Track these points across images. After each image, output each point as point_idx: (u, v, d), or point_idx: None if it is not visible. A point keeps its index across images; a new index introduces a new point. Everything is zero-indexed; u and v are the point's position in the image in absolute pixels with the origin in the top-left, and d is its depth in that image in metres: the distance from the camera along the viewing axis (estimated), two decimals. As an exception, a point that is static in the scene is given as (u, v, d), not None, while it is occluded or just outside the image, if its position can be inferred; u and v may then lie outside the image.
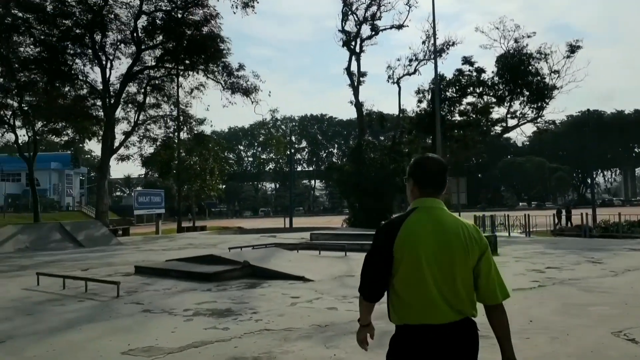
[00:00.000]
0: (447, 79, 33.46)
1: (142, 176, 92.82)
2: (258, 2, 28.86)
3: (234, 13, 30.32)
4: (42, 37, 26.06)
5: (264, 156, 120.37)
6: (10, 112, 31.75)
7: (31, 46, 26.48)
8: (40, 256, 17.94)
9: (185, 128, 31.43)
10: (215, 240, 23.73)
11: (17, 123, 31.63)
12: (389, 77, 34.67)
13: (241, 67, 29.99)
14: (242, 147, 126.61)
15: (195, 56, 28.12)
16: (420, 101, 33.45)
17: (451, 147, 34.11)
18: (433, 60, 32.65)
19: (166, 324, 6.73)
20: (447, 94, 33.17)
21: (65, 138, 31.86)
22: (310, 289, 9.50)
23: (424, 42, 34.05)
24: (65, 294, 9.46)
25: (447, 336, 2.14)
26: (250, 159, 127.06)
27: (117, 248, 21.08)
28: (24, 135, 32.29)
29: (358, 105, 34.70)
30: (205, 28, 28.92)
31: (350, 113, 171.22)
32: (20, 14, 24.97)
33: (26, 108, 30.11)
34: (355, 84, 34.26)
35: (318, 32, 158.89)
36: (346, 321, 6.58)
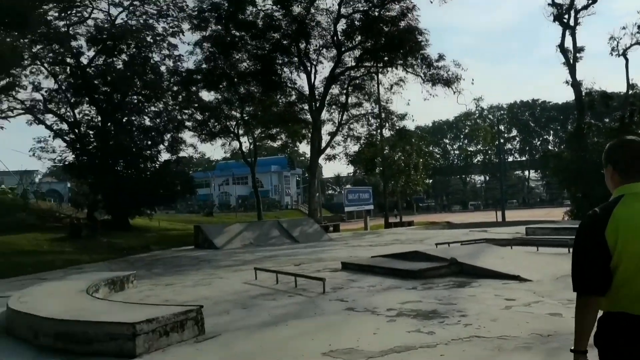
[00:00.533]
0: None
1: (351, 175, 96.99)
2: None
3: (431, 2, 28.94)
4: (255, 51, 28.62)
5: (471, 148, 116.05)
6: (235, 122, 35.56)
7: (247, 61, 29.32)
8: (261, 251, 19.51)
9: (387, 124, 31.65)
10: (422, 236, 23.21)
11: (240, 132, 35.31)
12: (613, 49, 30.35)
13: (441, 57, 29.03)
14: (447, 141, 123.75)
15: (394, 52, 27.98)
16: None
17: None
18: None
19: (368, 324, 6.44)
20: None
21: (279, 142, 34.53)
22: (527, 290, 8.40)
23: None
24: (277, 288, 9.89)
25: None
26: (457, 151, 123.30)
27: (328, 244, 21.93)
28: (245, 142, 35.94)
29: (575, 84, 30.92)
30: (402, 22, 28.62)
31: (567, 95, 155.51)
32: (237, 33, 27.78)
33: (246, 118, 33.43)
34: (571, 61, 30.58)
35: (522, 15, 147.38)
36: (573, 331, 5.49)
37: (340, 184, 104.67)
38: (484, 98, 29.18)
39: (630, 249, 2.03)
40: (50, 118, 29.87)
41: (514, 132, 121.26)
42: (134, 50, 30.22)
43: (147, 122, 31.51)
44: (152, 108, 32.01)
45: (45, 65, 28.79)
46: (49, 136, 30.19)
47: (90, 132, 29.70)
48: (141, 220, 33.73)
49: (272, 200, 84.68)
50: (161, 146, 31.51)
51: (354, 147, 32.15)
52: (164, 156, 32.29)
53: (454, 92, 29.12)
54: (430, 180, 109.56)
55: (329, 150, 32.27)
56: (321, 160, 36.07)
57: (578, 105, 31.01)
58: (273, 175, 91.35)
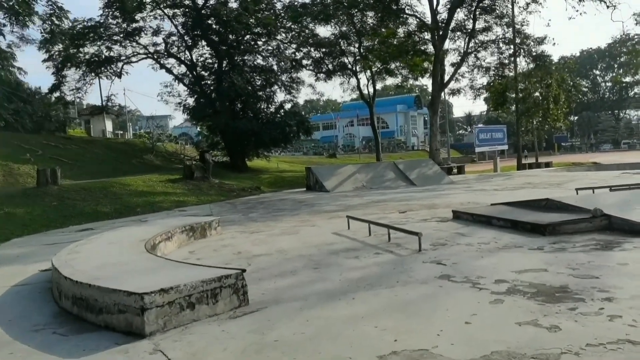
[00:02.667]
0: None
1: (484, 113, 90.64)
2: None
3: None
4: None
5: (627, 79, 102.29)
6: (352, 59, 33.61)
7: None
8: (371, 195, 17.96)
9: (521, 51, 27.54)
10: (561, 179, 19.99)
11: (357, 68, 33.32)
12: None
13: (591, -36, 24.13)
14: (597, 72, 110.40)
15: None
16: None
17: None
18: None
19: (463, 305, 4.60)
20: None
21: (399, 78, 32.08)
22: None
23: None
24: (367, 242, 8.29)
25: None
26: (609, 84, 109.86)
27: (447, 187, 19.73)
28: (363, 79, 33.94)
29: None
30: None
31: None
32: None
33: (363, 52, 31.29)
34: None
35: None
36: None
37: (471, 123, 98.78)
38: (645, 13, 23.41)
39: None
40: (171, 62, 30.26)
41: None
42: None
43: (260, 61, 30.73)
44: (267, 47, 31.07)
45: (164, 8, 28.88)
46: (173, 79, 30.76)
47: (205, 73, 29.64)
48: (260, 162, 33.82)
49: (398, 141, 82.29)
50: (275, 87, 30.65)
51: (481, 79, 28.69)
52: (280, 97, 31.57)
53: (608, 7, 24.26)
54: (576, 117, 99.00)
55: (453, 84, 29.18)
56: (445, 96, 33.05)
57: None
58: (399, 115, 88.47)
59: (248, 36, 30.06)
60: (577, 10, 24.89)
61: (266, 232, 10.20)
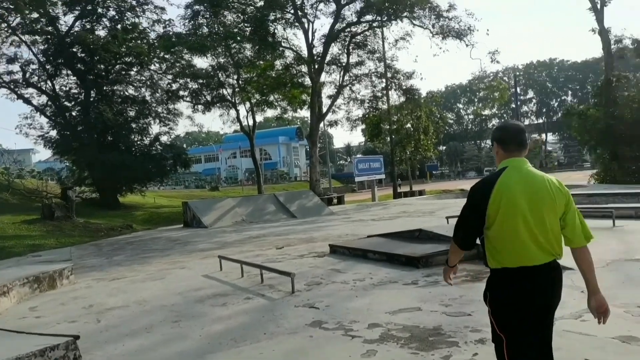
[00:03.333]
0: None
1: (362, 144, 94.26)
2: None
3: None
4: (244, 8, 25.85)
5: (485, 112, 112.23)
6: (231, 90, 33.11)
7: (235, 18, 26.57)
8: (251, 229, 17.35)
9: (393, 85, 28.82)
10: (433, 207, 20.85)
11: (237, 100, 32.86)
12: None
13: (451, 7, 26.02)
14: (461, 105, 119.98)
15: (400, 2, 25.06)
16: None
17: None
18: None
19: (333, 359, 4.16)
20: None
21: (278, 110, 32.10)
22: (568, 284, 6.04)
23: None
24: (239, 285, 7.67)
25: (541, 276, 2.48)
26: (471, 116, 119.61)
27: (327, 219, 19.69)
28: (243, 111, 33.54)
29: (603, 32, 27.86)
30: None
31: (587, 52, 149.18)
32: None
33: (242, 84, 30.94)
34: (599, 5, 27.44)
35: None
36: None
37: (350, 153, 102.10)
38: (500, 51, 25.78)
39: (507, 211, 2.47)
40: (30, 92, 27.63)
41: (530, 94, 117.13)
42: (116, 14, 27.69)
43: (132, 91, 29.15)
44: (139, 77, 29.56)
45: (21, 34, 26.41)
46: (31, 110, 28.06)
47: (69, 104, 27.45)
48: (135, 198, 31.76)
49: (281, 173, 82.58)
50: (149, 118, 29.16)
51: (357, 111, 29.52)
52: (156, 129, 30.07)
53: (467, 45, 26.23)
54: (444, 147, 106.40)
55: (330, 116, 29.67)
56: (325, 127, 33.61)
57: (606, 55, 27.96)
58: (282, 146, 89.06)
59: (118, 66, 28.41)
60: (440, 48, 26.63)
61: (128, 279, 9.18)
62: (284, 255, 10.33)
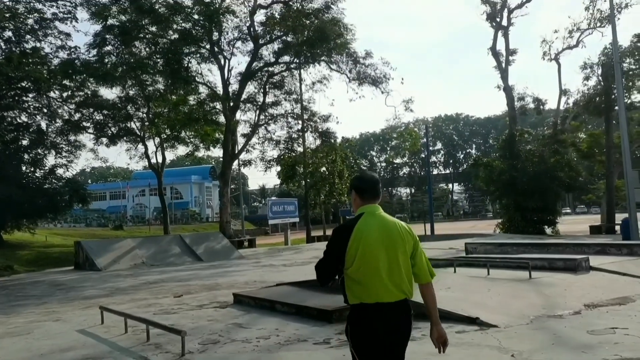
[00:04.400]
0: (623, 48, 26.98)
1: (277, 186, 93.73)
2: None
3: None
4: (157, 40, 24.69)
5: (397, 160, 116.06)
6: (140, 124, 31.38)
7: (147, 49, 25.31)
8: (149, 274, 15.79)
9: (309, 127, 28.54)
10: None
11: (145, 134, 31.16)
12: (545, 53, 29.13)
13: (368, 54, 26.42)
14: (374, 153, 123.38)
15: (317, 47, 25.06)
16: (587, 78, 27.41)
17: (630, 134, 27.45)
18: (599, 30, 26.95)
19: None
20: (624, 65, 26.63)
21: (190, 147, 30.75)
22: (494, 344, 5.48)
23: (587, 9, 27.98)
24: (119, 343, 6.42)
25: (395, 311, 2.74)
26: (384, 164, 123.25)
27: (235, 263, 18.47)
28: (152, 146, 31.81)
29: (507, 89, 29.40)
30: (327, 16, 25.87)
31: (490, 110, 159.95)
32: (134, 18, 23.68)
33: (152, 117, 29.39)
34: (503, 64, 29.05)
35: (449, 33, 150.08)
36: None
37: (265, 196, 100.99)
38: (413, 100, 26.42)
39: (364, 253, 2.73)
40: None
41: (439, 145, 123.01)
42: (13, 36, 25.51)
43: (25, 118, 26.68)
44: (35, 104, 27.17)
45: None
46: None
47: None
48: (24, 235, 28.67)
49: (192, 213, 79.71)
50: (44, 149, 26.71)
51: (272, 152, 28.86)
52: (51, 160, 27.52)
53: (382, 92, 26.60)
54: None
55: (244, 155, 28.69)
56: (239, 167, 32.57)
57: (510, 110, 29.45)
58: (194, 185, 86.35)
59: (12, 91, 25.92)
60: (356, 93, 26.82)
61: (-16, 334, 7.57)
62: (180, 306, 9.11)
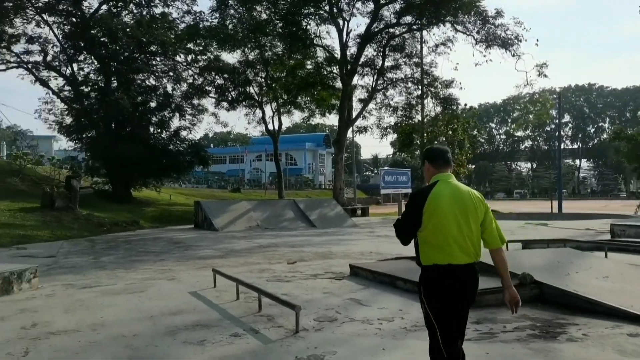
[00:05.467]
0: None
1: (390, 156, 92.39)
2: None
3: None
4: (276, 1, 24.25)
5: (519, 133, 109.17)
6: (258, 89, 31.65)
7: (266, 12, 25.05)
8: (263, 237, 15.71)
9: (429, 92, 26.88)
10: (466, 227, 18.88)
11: (263, 99, 31.38)
12: None
13: (499, 13, 24.04)
14: (493, 125, 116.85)
15: (443, 5, 23.23)
16: None
17: None
18: None
19: None
20: None
21: (305, 113, 30.53)
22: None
23: None
24: (230, 311, 5.96)
25: (465, 273, 2.92)
26: (503, 136, 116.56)
27: (349, 231, 17.91)
28: (269, 111, 32.06)
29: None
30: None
31: (629, 80, 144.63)
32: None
33: (269, 82, 29.44)
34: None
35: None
36: None
37: (377, 165, 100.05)
38: (548, 64, 23.62)
39: (439, 217, 2.90)
40: (47, 74, 26.46)
41: (567, 118, 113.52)
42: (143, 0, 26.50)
43: (153, 81, 27.80)
44: (162, 67, 28.23)
45: (46, 16, 25.29)
46: (46, 94, 26.92)
47: (85, 89, 26.21)
48: (151, 193, 30.41)
49: (306, 179, 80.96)
50: (170, 111, 27.79)
51: (389, 119, 27.66)
52: (176, 123, 28.62)
53: (513, 55, 24.20)
54: (473, 166, 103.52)
55: (360, 121, 27.81)
56: (353, 135, 31.86)
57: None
58: (308, 152, 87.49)
59: (142, 55, 27.09)
60: (484, 56, 24.60)
61: (102, 288, 7.56)
62: (294, 274, 8.60)
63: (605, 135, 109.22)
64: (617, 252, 9.29)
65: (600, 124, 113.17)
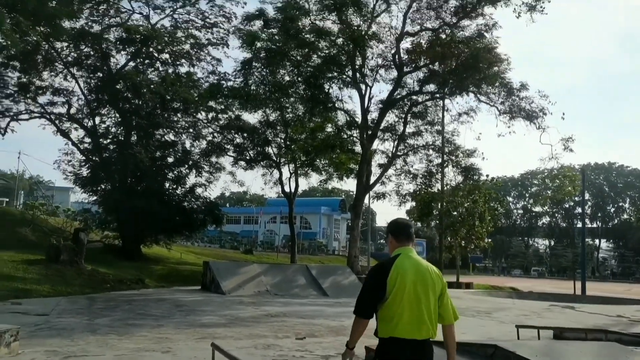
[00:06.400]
0: None
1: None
2: (549, 1, 22.49)
3: (517, 17, 23.60)
4: (300, 62, 24.41)
5: (536, 208, 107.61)
6: (277, 150, 31.51)
7: (289, 74, 25.18)
8: (272, 304, 14.79)
9: (450, 161, 26.35)
10: (487, 305, 17.77)
11: (281, 160, 31.17)
12: None
13: (524, 86, 23.72)
14: (510, 199, 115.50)
15: (467, 76, 23.13)
16: None
17: None
18: None
19: None
20: None
21: (323, 176, 30.14)
22: None
23: None
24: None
25: (421, 348, 3.04)
26: (520, 211, 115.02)
27: (363, 303, 16.87)
28: (286, 173, 31.81)
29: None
30: (480, 45, 23.90)
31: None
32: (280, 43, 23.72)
33: (289, 143, 29.30)
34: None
35: (596, 76, 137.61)
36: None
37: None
38: (574, 139, 22.92)
39: (401, 289, 3.02)
40: (67, 125, 26.65)
41: (587, 196, 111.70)
42: (169, 57, 26.91)
43: (172, 136, 27.79)
44: (182, 123, 28.32)
45: (70, 68, 25.74)
46: (65, 144, 26.98)
47: (105, 141, 26.22)
48: (161, 250, 29.72)
49: (320, 244, 79.83)
50: (187, 168, 27.60)
51: (407, 186, 27.06)
52: (192, 180, 28.35)
53: (537, 128, 23.68)
54: (490, 240, 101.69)
55: (378, 187, 27.19)
56: (370, 201, 31.17)
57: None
58: (323, 217, 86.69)
59: (164, 111, 27.24)
60: (508, 127, 24.13)
61: (88, 359, 6.75)
62: (302, 353, 7.71)
63: (625, 216, 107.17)
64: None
65: (620, 204, 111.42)
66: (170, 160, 27.88)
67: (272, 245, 74.02)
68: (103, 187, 26.04)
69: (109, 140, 26.58)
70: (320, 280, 20.09)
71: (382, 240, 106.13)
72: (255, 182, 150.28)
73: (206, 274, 19.44)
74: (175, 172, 27.66)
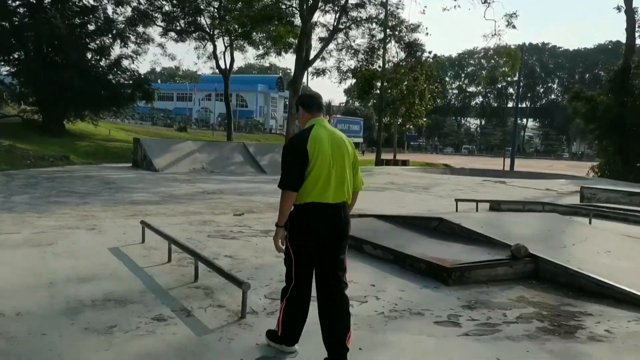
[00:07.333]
0: None
1: (342, 104, 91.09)
2: None
3: None
4: None
5: (470, 88, 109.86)
6: (210, 20, 29.26)
7: None
8: (208, 181, 14.29)
9: (394, 36, 25.36)
10: (424, 181, 18.05)
11: (215, 32, 29.08)
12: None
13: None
14: (447, 79, 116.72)
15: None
16: None
17: None
18: None
19: None
20: None
21: (260, 50, 28.53)
22: None
23: None
24: (159, 279, 4.66)
25: (336, 211, 3.04)
26: (455, 91, 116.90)
27: (302, 179, 16.69)
28: (221, 46, 29.85)
29: (630, 12, 24.98)
30: None
31: (581, 42, 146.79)
32: None
33: (222, 13, 27.16)
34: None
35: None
36: None
37: (330, 112, 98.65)
38: (518, 15, 22.38)
39: (320, 157, 2.97)
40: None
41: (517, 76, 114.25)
42: None
43: (92, 1, 25.02)
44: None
45: None
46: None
47: (13, 3, 23.28)
48: (88, 127, 28.01)
49: (256, 122, 78.68)
50: (110, 37, 25.22)
51: (349, 62, 26.07)
52: (117, 51, 26.13)
53: (483, 2, 22.92)
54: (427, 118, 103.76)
55: (318, 63, 26.09)
56: (309, 77, 30.19)
57: (629, 38, 25.15)
58: (260, 95, 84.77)
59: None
60: (454, 0, 23.16)
61: (1, 237, 6.07)
62: (241, 228, 7.33)
63: (553, 96, 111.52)
64: (599, 218, 8.47)
65: (549, 85, 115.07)
66: (91, 28, 25.36)
67: (207, 123, 72.31)
68: (17, 56, 23.54)
69: (18, 3, 23.54)
70: (258, 158, 19.68)
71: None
72: (188, 55, 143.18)
73: (137, 150, 18.52)
74: (98, 42, 25.33)
